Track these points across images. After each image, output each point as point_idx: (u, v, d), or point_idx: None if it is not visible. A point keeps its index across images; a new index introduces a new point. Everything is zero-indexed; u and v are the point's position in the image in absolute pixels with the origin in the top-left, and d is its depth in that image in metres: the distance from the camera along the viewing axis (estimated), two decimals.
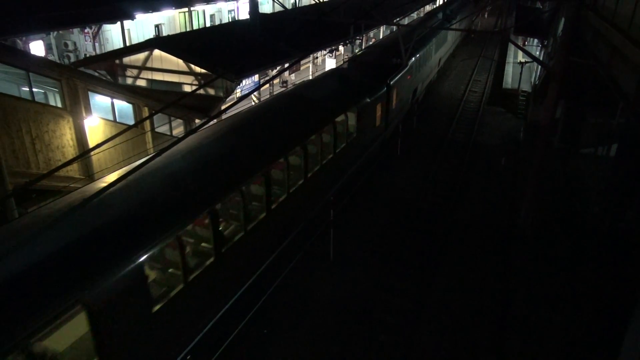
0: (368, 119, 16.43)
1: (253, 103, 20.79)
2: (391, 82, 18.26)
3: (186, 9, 31.13)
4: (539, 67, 26.16)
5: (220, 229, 9.35)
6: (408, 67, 20.63)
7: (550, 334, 10.66)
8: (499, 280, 12.81)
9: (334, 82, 16.40)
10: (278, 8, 35.38)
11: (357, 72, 18.21)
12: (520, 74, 28.29)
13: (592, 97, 17.66)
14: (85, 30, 25.84)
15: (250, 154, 10.86)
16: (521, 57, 30.54)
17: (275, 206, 11.21)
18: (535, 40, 33.42)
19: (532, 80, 28.68)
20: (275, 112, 13.15)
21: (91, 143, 15.03)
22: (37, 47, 23.58)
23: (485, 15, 62.88)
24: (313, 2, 29.89)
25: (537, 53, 31.84)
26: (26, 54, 18.21)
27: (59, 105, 14.73)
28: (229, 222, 10.59)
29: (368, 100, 16.09)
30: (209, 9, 34.87)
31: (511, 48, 37.64)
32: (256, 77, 21.92)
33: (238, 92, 20.81)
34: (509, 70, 33.07)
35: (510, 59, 35.84)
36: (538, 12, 34.55)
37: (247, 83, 21.64)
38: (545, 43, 29.05)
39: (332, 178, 14.46)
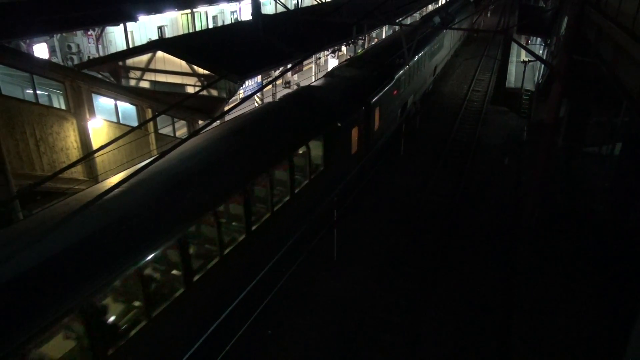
0: (340, 146, 14.09)
1: (256, 105, 20.81)
2: (371, 101, 16.06)
3: (189, 11, 31.21)
4: (542, 66, 26.12)
5: (99, 328, 7.06)
6: (394, 81, 18.52)
7: (553, 334, 10.62)
8: (503, 279, 12.78)
9: (297, 105, 13.92)
10: (280, 9, 35.41)
11: (330, 90, 15.68)
12: (524, 73, 28.23)
13: (596, 95, 17.61)
14: (89, 33, 25.92)
15: (163, 210, 8.11)
16: (524, 56, 30.47)
17: (200, 277, 8.56)
18: (538, 39, 33.34)
19: (536, 79, 28.62)
20: (213, 150, 10.29)
21: (95, 145, 15.09)
22: (40, 50, 23.67)
23: (488, 14, 62.75)
24: (315, 3, 29.89)
25: (540, 52, 31.78)
26: (30, 57, 18.30)
27: (63, 107, 14.81)
28: (123, 313, 7.80)
29: (339, 124, 13.77)
30: (212, 10, 34.94)
31: (514, 47, 37.54)
32: (259, 78, 21.95)
33: (241, 93, 20.84)
34: (512, 70, 33.01)
35: (513, 58, 35.76)
36: (541, 11, 34.45)
37: (250, 84, 21.68)
38: (548, 42, 28.99)
39: (290, 225, 11.84)
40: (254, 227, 10.11)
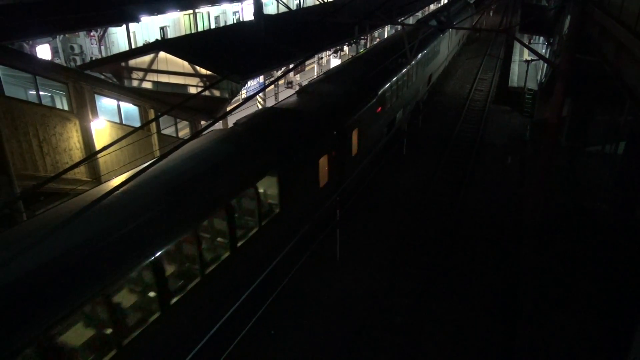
0: (302, 181, 12.03)
1: (258, 105, 20.82)
2: (347, 123, 14.08)
3: (191, 11, 31.26)
4: (545, 65, 26.05)
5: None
6: (377, 97, 16.53)
7: (557, 333, 10.59)
8: (505, 279, 12.75)
9: (249, 133, 11.64)
10: (282, 9, 35.42)
11: (297, 112, 13.57)
12: (526, 72, 28.16)
13: (599, 94, 17.56)
14: (91, 34, 26.01)
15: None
16: (527, 55, 30.39)
17: None
18: (541, 38, 33.27)
19: (538, 78, 28.53)
20: (124, 202, 8.07)
21: (98, 145, 15.12)
22: (43, 51, 23.75)
23: (491, 14, 62.67)
24: (317, 3, 29.86)
25: (543, 51, 31.69)
26: (33, 58, 18.33)
27: (66, 108, 14.83)
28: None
29: (300, 155, 11.76)
30: (214, 10, 34.98)
31: (517, 46, 37.49)
32: (261, 79, 21.99)
33: (243, 94, 20.87)
34: (515, 69, 32.93)
35: (515, 57, 35.69)
36: (543, 10, 34.36)
37: (253, 84, 21.71)
38: (551, 41, 28.92)
39: (231, 288, 9.75)
40: (174, 300, 8.11)
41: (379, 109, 17.07)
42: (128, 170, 10.09)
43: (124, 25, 25.35)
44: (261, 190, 10.60)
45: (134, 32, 27.17)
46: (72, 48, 26.53)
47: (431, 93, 28.00)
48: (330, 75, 17.46)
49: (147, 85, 17.86)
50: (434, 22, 28.77)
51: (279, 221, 11.17)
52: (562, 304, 11.42)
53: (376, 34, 37.46)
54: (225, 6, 35.73)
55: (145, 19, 26.22)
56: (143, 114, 15.73)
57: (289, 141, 11.83)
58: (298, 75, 29.78)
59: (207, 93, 16.76)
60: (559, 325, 10.77)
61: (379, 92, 16.89)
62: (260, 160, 10.68)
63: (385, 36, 36.78)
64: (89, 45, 26.65)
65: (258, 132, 11.79)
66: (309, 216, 12.62)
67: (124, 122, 15.72)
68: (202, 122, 16.03)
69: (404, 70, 19.90)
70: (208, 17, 34.58)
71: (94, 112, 14.91)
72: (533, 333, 10.59)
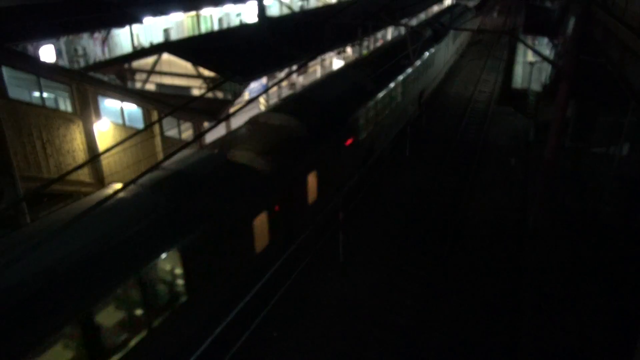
0: (225, 252, 9.04)
1: (261, 107, 20.83)
2: (298, 167, 11.26)
3: (194, 13, 31.32)
4: (549, 66, 25.98)
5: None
6: (346, 128, 13.75)
7: (560, 336, 10.54)
8: (509, 282, 12.70)
9: (149, 191, 8.46)
10: (286, 11, 35.50)
11: (229, 155, 10.42)
12: (530, 73, 28.08)
13: (603, 95, 17.49)
14: (95, 35, 26.09)
15: None
16: (530, 56, 30.31)
17: None
18: (545, 39, 33.19)
19: (542, 79, 28.46)
20: None
21: (101, 147, 15.17)
22: (47, 53, 23.84)
23: (494, 15, 62.60)
24: (320, 5, 29.87)
25: (547, 52, 31.62)
26: (37, 60, 18.42)
27: (69, 110, 14.89)
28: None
29: (220, 220, 8.74)
30: (217, 12, 35.05)
31: (520, 47, 37.37)
32: (264, 80, 21.99)
33: (246, 95, 20.88)
34: (519, 70, 32.85)
35: (519, 58, 35.60)
36: (547, 11, 34.26)
37: (255, 86, 21.72)
38: (555, 42, 28.84)
39: None
40: None
41: (350, 140, 13.96)
42: (131, 172, 10.08)
43: (128, 27, 25.43)
44: (158, 275, 7.80)
45: (137, 34, 27.25)
46: (75, 50, 26.60)
47: (424, 110, 24.70)
48: (293, 100, 14.38)
49: (150, 87, 17.90)
50: (429, 31, 26.45)
51: (187, 313, 8.31)
52: (564, 305, 11.37)
53: (379, 35, 37.43)
54: (229, 8, 35.80)
55: (148, 21, 26.29)
56: (146, 115, 15.77)
57: (204, 201, 8.73)
58: (301, 77, 29.79)
59: (210, 95, 16.79)
60: (562, 327, 10.71)
61: (350, 120, 13.89)
62: (153, 234, 7.67)
63: (389, 38, 36.72)
64: (92, 47, 26.74)
65: (164, 190, 8.53)
66: (241, 292, 9.86)
67: (127, 124, 15.76)
68: (205, 124, 16.05)
69: (384, 91, 16.72)
70: (211, 19, 34.66)
71: (97, 113, 14.97)
72: (535, 334, 10.53)
